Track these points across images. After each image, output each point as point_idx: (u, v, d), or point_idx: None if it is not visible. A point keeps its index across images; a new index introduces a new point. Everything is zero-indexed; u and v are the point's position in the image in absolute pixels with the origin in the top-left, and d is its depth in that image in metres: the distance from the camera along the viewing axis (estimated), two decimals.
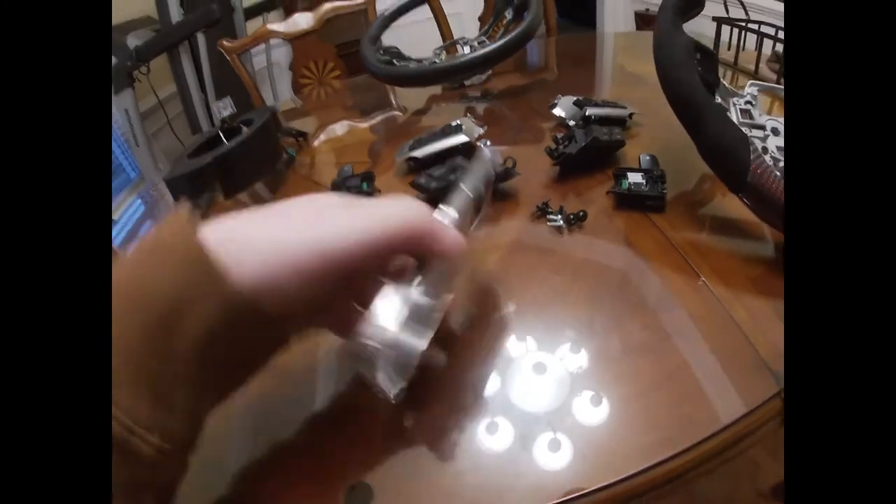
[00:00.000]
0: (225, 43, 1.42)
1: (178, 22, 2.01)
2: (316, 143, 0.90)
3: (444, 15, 1.48)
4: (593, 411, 0.33)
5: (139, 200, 1.13)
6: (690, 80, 0.50)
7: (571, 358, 0.36)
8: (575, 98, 0.70)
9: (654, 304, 0.40)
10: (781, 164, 0.52)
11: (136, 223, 0.93)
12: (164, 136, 2.40)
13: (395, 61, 0.90)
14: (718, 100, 0.58)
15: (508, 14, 0.96)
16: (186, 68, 2.04)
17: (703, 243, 0.47)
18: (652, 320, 0.39)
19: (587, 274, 0.44)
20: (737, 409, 0.31)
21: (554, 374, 0.35)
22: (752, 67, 1.04)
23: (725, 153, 0.46)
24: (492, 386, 0.36)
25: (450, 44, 1.01)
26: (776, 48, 1.01)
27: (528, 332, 0.39)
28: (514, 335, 0.39)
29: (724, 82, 0.59)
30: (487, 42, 0.95)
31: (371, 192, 0.60)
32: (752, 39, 1.05)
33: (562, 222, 0.49)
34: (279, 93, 2.81)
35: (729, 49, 1.12)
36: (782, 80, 0.98)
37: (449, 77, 0.88)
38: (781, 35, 0.99)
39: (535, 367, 0.36)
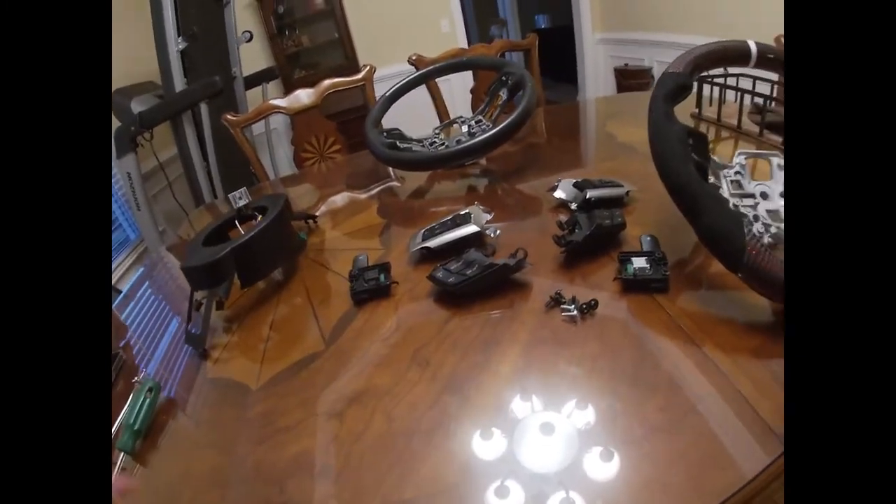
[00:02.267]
0: (229, 117, 1.47)
1: (182, 91, 2.07)
2: (324, 225, 0.93)
3: (440, 93, 1.55)
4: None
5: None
6: (684, 170, 0.54)
7: (596, 445, 0.38)
8: (574, 180, 0.74)
9: (666, 386, 0.43)
10: (773, 228, 0.58)
11: (136, 284, 0.97)
12: (164, 199, 2.43)
13: (398, 143, 0.95)
14: (711, 179, 0.62)
15: (503, 94, 1.02)
16: (189, 135, 2.09)
17: (706, 319, 0.51)
18: (666, 401, 0.42)
19: (603, 364, 0.47)
20: (746, 473, 0.35)
21: (579, 459, 0.37)
22: (735, 122, 1.11)
23: (722, 238, 0.50)
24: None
25: (448, 123, 1.07)
26: (755, 100, 1.08)
27: (552, 424, 0.41)
28: (539, 426, 0.41)
29: (715, 157, 0.64)
30: (484, 121, 1.00)
31: (388, 284, 0.63)
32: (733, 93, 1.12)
33: (575, 312, 0.52)
34: (277, 158, 2.89)
35: (711, 105, 1.19)
36: (765, 131, 1.05)
37: (451, 163, 0.92)
38: (759, 88, 1.07)
39: (558, 452, 0.38)
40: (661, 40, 3.65)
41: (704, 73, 1.17)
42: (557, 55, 5.54)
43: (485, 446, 0.39)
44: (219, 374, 0.58)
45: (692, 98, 1.22)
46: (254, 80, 2.92)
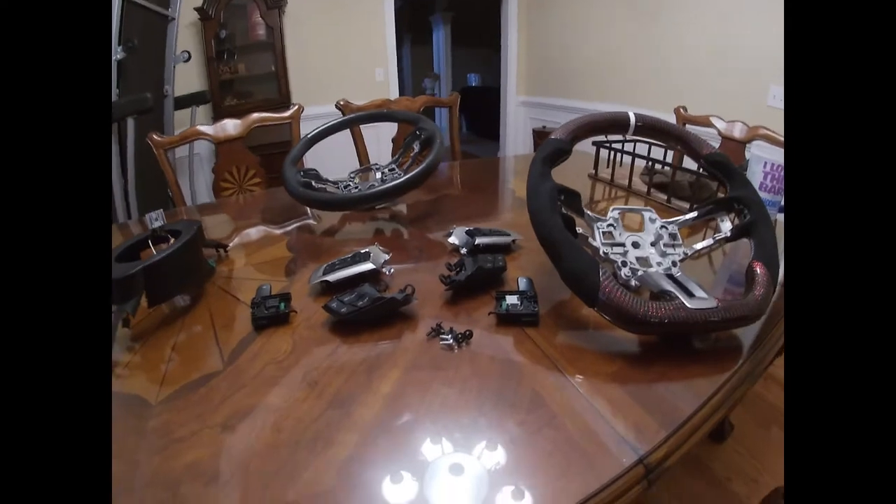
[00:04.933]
0: (155, 137, 1.45)
1: (112, 102, 1.98)
2: (234, 255, 0.96)
3: (363, 138, 1.64)
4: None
5: None
6: (549, 221, 0.64)
7: (458, 455, 0.45)
8: (467, 228, 0.84)
9: (527, 404, 0.51)
10: (640, 272, 0.69)
11: None
12: None
13: (313, 183, 1.01)
14: (580, 230, 0.71)
15: (416, 146, 1.13)
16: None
17: (570, 349, 0.60)
18: (526, 417, 0.49)
19: (472, 385, 0.55)
20: (603, 477, 0.42)
21: (444, 467, 0.44)
22: (626, 183, 1.26)
23: (579, 279, 0.60)
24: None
25: (364, 169, 1.15)
26: (647, 164, 1.24)
27: (421, 436, 0.48)
28: (409, 439, 0.48)
29: (588, 211, 0.75)
30: (397, 170, 1.10)
31: (288, 312, 0.68)
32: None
33: (452, 341, 0.60)
34: (197, 184, 2.83)
35: (608, 167, 1.36)
36: (651, 191, 1.21)
37: (359, 205, 1.00)
38: (652, 154, 1.21)
39: (422, 463, 0.45)
40: (576, 106, 3.95)
41: (602, 139, 1.34)
42: (484, 113, 5.87)
43: (395, 490, 0.43)
44: (119, 389, 0.59)
45: (591, 160, 1.39)
46: (185, 102, 2.87)
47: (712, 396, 0.53)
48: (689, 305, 0.58)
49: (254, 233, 1.11)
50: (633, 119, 0.80)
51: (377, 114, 1.26)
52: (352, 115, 1.24)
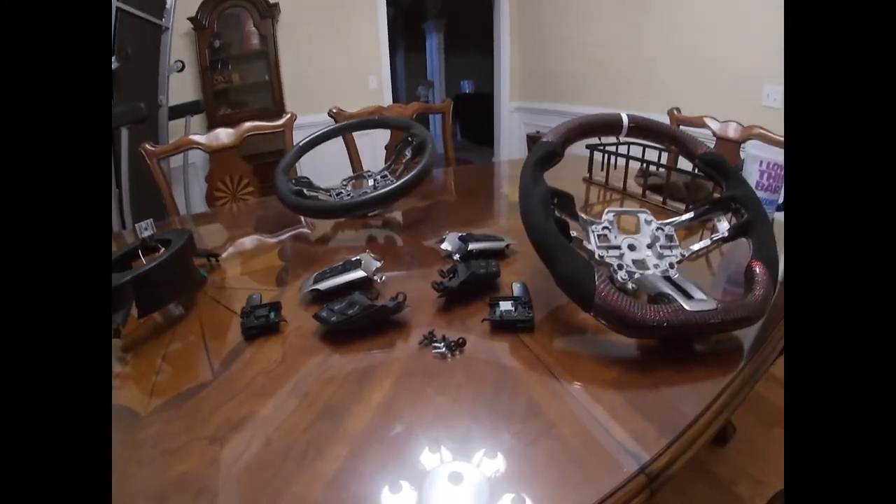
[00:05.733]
0: (147, 147, 1.44)
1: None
2: (226, 264, 0.95)
3: (356, 146, 1.63)
4: None
5: None
6: (542, 225, 0.63)
7: (449, 466, 0.44)
8: (460, 234, 0.83)
9: (523, 414, 0.50)
10: (637, 274, 0.67)
11: None
12: None
13: (305, 191, 1.01)
14: (574, 233, 0.70)
15: (408, 153, 1.12)
16: None
17: (567, 355, 0.59)
18: (522, 427, 0.48)
19: (466, 393, 0.53)
20: (603, 488, 0.41)
21: (437, 478, 0.43)
22: (621, 185, 1.25)
23: (574, 283, 0.59)
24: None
25: (356, 176, 1.15)
26: (642, 166, 1.23)
27: (413, 446, 0.47)
28: (400, 450, 0.47)
29: (582, 214, 0.73)
30: (390, 176, 1.09)
31: (277, 321, 0.67)
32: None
33: (445, 349, 0.59)
34: (192, 193, 2.82)
35: (602, 170, 1.35)
36: (647, 193, 1.20)
37: (351, 213, 1.00)
38: (647, 156, 1.21)
39: (413, 474, 0.43)
40: (570, 111, 3.94)
41: (596, 142, 1.33)
42: (478, 119, 5.90)
43: (394, 500, 0.41)
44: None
45: (585, 163, 1.38)
46: (179, 112, 2.87)
47: (715, 400, 0.52)
48: (687, 308, 0.57)
49: (247, 242, 1.10)
50: (625, 120, 0.79)
51: (369, 121, 1.26)
52: (344, 123, 1.24)
